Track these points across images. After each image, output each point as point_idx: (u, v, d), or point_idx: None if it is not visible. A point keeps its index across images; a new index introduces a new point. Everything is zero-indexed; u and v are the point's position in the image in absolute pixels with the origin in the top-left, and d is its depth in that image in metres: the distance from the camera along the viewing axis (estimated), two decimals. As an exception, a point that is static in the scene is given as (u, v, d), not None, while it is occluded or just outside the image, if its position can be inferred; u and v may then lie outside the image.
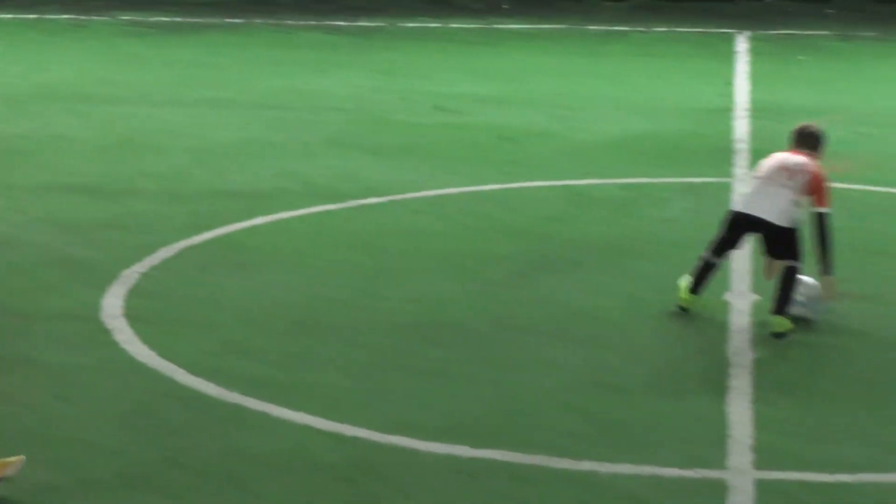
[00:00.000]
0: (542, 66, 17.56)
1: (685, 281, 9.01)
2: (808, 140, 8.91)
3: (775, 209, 8.62)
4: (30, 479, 6.42)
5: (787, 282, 8.68)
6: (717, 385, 8.06)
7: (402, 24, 20.16)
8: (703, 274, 8.89)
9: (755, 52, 18.84)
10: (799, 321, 8.72)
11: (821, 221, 8.55)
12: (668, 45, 19.53)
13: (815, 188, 8.66)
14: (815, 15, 21.63)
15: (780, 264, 8.71)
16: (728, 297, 9.31)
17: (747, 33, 19.84)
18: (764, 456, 6.98)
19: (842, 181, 10.75)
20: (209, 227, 10.65)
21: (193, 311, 9.05)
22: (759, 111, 14.93)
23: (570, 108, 15.23)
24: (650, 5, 21.76)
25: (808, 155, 8.78)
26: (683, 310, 8.96)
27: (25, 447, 6.64)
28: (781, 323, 8.60)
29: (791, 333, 8.62)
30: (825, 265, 8.59)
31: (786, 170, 8.73)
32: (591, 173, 12.64)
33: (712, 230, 9.03)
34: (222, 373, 7.85)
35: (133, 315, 8.75)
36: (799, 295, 8.72)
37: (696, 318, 9.05)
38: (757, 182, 8.87)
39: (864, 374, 8.37)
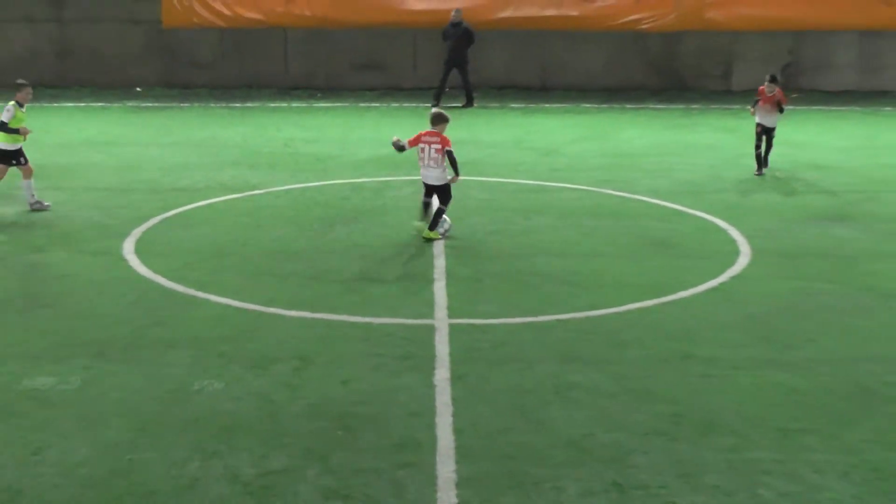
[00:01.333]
0: (332, 123, 25.27)
1: (419, 223, 14.56)
2: (436, 120, 14.63)
3: (433, 176, 14.44)
4: (79, 335, 11.08)
5: (438, 214, 14.44)
6: (426, 275, 12.95)
7: (268, 104, 28.10)
8: (425, 210, 14.62)
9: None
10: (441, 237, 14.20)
11: (451, 154, 14.47)
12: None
13: (444, 143, 14.40)
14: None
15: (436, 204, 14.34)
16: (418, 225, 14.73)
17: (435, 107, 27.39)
18: (453, 311, 11.66)
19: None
20: (172, 208, 16.21)
21: (167, 248, 14.19)
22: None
23: (347, 143, 22.63)
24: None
25: (439, 129, 14.41)
26: (427, 239, 14.26)
27: (80, 316, 11.48)
28: (434, 234, 14.38)
29: (436, 240, 14.20)
30: (456, 172, 14.42)
31: (429, 146, 14.51)
32: (361, 175, 19.05)
33: (418, 195, 14.55)
34: (182, 278, 12.77)
35: (138, 251, 14.09)
36: (444, 223, 14.45)
37: (415, 239, 13.99)
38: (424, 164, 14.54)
39: (501, 263, 13.03)
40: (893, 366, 10.33)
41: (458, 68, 27.72)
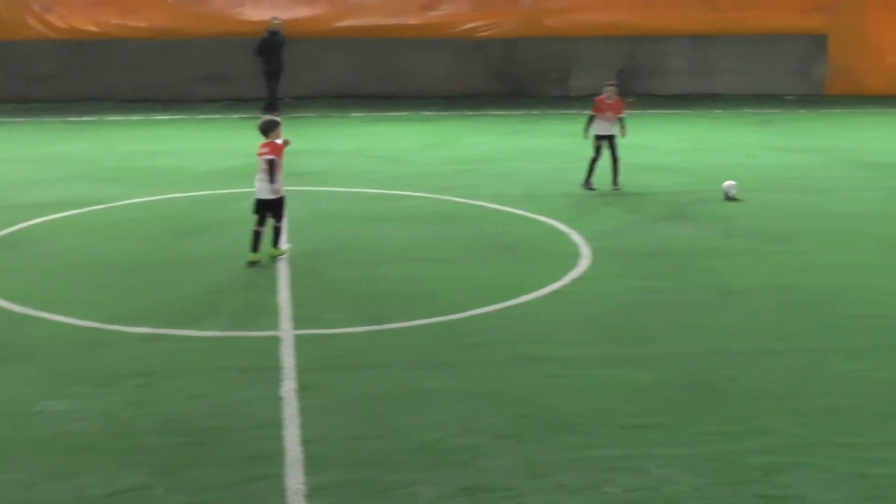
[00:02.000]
0: (174, 136, 25.02)
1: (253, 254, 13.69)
2: (265, 130, 13.68)
3: (263, 189, 13.75)
4: None
5: (277, 232, 13.88)
6: (271, 286, 12.90)
7: (107, 118, 27.86)
8: (256, 240, 13.70)
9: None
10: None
11: (271, 163, 13.53)
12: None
13: (268, 151, 13.42)
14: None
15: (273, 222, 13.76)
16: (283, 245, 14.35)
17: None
18: (299, 322, 11.56)
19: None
20: (11, 225, 15.94)
21: (8, 267, 13.89)
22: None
23: (190, 155, 22.53)
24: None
25: (271, 138, 13.53)
26: (253, 263, 13.57)
27: None
28: (278, 251, 13.91)
29: (282, 255, 13.82)
30: (272, 180, 13.50)
31: (261, 158, 13.70)
32: (206, 188, 18.93)
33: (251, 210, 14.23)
34: (23, 297, 12.44)
35: None
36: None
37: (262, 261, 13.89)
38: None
39: (347, 271, 13.02)
40: (732, 360, 10.64)
41: (275, 76, 27.64)
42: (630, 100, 28.07)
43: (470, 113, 28.78)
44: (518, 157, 22.11)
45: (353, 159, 21.90)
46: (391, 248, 14.86)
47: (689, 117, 28.12)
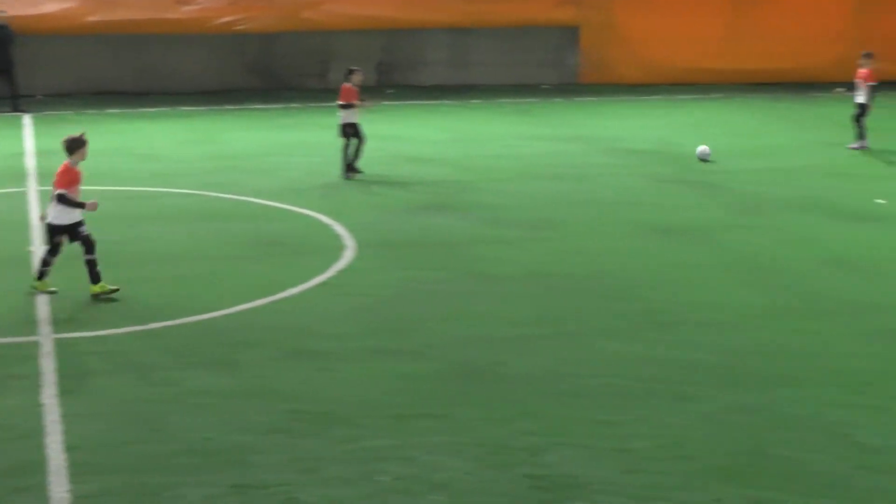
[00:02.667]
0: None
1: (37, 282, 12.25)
2: (64, 147, 12.09)
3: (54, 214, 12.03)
4: None
5: (91, 265, 12.07)
6: (27, 290, 12.28)
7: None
8: (45, 267, 12.20)
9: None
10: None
11: (61, 196, 11.78)
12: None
13: (58, 177, 11.86)
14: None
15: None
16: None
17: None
18: (58, 326, 11.29)
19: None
20: None
21: None
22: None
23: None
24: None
25: (71, 157, 12.05)
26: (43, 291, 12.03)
27: None
28: (42, 285, 12.19)
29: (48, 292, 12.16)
30: (77, 204, 11.79)
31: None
32: None
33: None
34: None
35: None
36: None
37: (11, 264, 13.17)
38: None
39: (107, 273, 12.32)
40: (500, 346, 10.89)
41: (8, 73, 26.94)
42: (389, 91, 28.42)
43: (230, 108, 28.39)
44: (280, 152, 21.92)
45: (111, 157, 21.27)
46: (154, 247, 14.59)
47: (449, 108, 28.46)
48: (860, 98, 22.13)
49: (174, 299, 12.32)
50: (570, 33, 32.48)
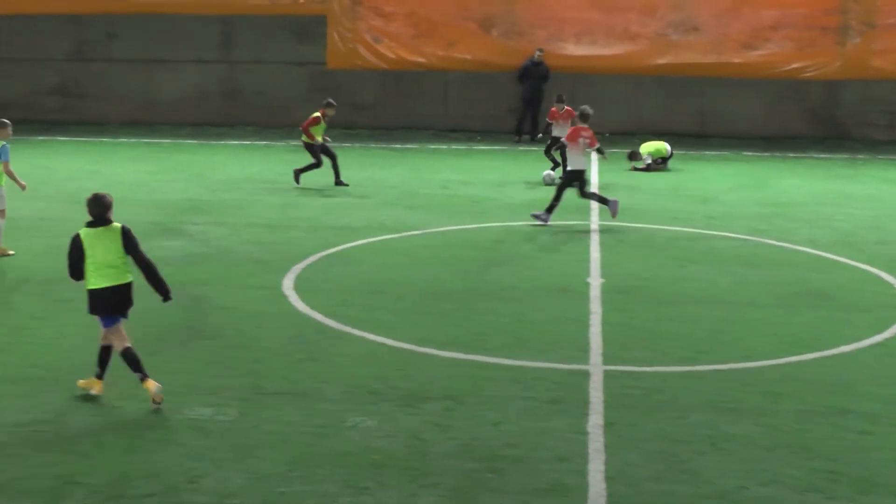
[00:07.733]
0: (489, 166, 28.39)
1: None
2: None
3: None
4: (237, 367, 11.34)
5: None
6: (581, 319, 12.86)
7: (427, 146, 27.51)
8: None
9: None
10: None
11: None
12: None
13: None
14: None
15: None
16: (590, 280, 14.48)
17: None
18: (607, 357, 11.57)
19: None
20: (331, 246, 16.83)
21: (325, 285, 14.50)
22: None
23: (503, 186, 23.84)
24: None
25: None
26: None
27: (239, 349, 11.73)
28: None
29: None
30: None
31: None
32: (516, 219, 19.20)
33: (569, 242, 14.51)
34: (337, 315, 12.95)
35: (297, 287, 14.29)
36: None
37: (571, 283, 13.87)
38: None
39: (655, 309, 12.73)
40: None
41: (534, 108, 29.62)
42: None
43: (788, 154, 27.98)
44: (834, 202, 21.36)
45: (667, 197, 21.64)
46: (699, 288, 14.59)
47: None
48: None
49: (718, 344, 12.25)
50: None
